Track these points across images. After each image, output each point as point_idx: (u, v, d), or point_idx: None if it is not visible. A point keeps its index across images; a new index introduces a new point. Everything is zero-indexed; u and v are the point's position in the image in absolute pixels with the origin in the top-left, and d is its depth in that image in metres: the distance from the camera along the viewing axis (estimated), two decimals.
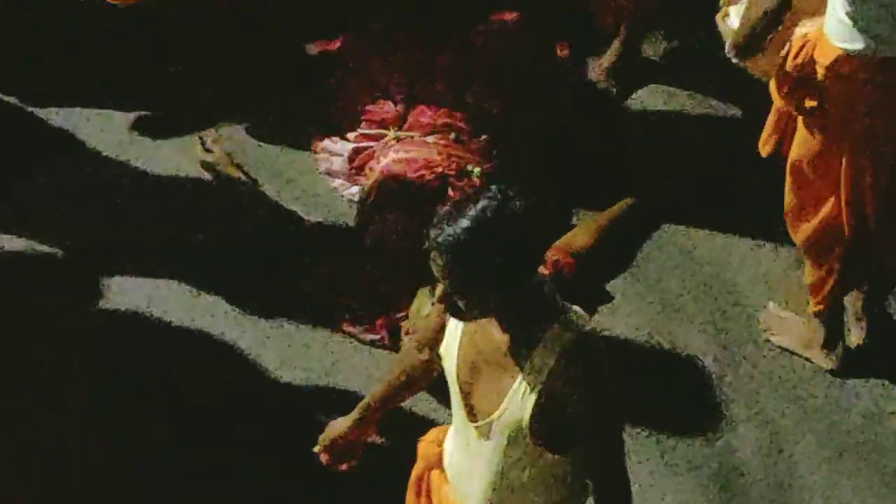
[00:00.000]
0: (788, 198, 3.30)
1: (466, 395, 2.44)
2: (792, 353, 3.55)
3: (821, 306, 3.39)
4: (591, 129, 3.82)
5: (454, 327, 2.42)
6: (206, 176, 3.59)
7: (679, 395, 3.41)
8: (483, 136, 3.45)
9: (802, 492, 3.26)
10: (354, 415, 2.73)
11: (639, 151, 3.86)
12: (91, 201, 3.78)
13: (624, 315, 3.48)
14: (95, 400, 3.39)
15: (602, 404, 2.34)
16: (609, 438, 2.39)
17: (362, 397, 2.72)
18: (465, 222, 2.17)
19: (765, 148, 3.39)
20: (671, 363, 3.47)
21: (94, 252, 3.68)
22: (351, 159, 3.53)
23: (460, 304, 2.23)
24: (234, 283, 3.61)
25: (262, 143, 3.89)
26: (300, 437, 2.96)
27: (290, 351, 3.51)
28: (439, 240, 2.17)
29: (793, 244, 3.49)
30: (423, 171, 3.33)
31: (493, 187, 2.22)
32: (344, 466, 2.87)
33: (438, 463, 2.65)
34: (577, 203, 3.75)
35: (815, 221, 3.25)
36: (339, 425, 2.77)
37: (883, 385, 3.46)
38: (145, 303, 3.61)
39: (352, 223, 3.51)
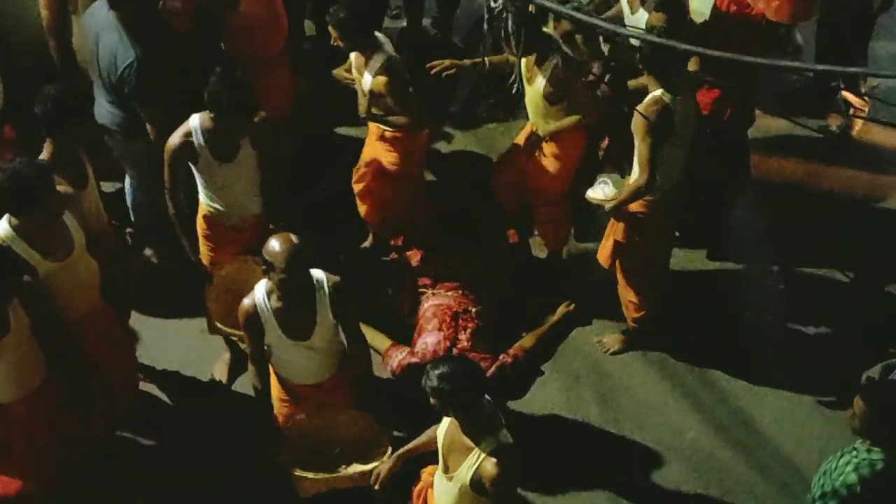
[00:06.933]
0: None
1: (444, 459, 4.18)
2: None
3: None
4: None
5: (443, 424, 4.20)
6: None
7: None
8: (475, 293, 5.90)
9: None
10: (396, 457, 4.43)
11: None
12: None
13: (548, 382, 5.84)
14: None
15: (504, 480, 3.99)
16: (503, 496, 4.08)
17: None
18: (437, 380, 3.92)
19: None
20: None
21: None
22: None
23: (443, 412, 4.08)
24: None
25: None
26: None
27: None
28: (432, 385, 3.94)
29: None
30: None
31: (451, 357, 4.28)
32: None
33: (431, 484, 4.45)
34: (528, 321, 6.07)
35: None
36: (385, 466, 4.42)
37: None
38: None
39: None
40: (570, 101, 5.65)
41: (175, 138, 5.06)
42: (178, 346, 5.91)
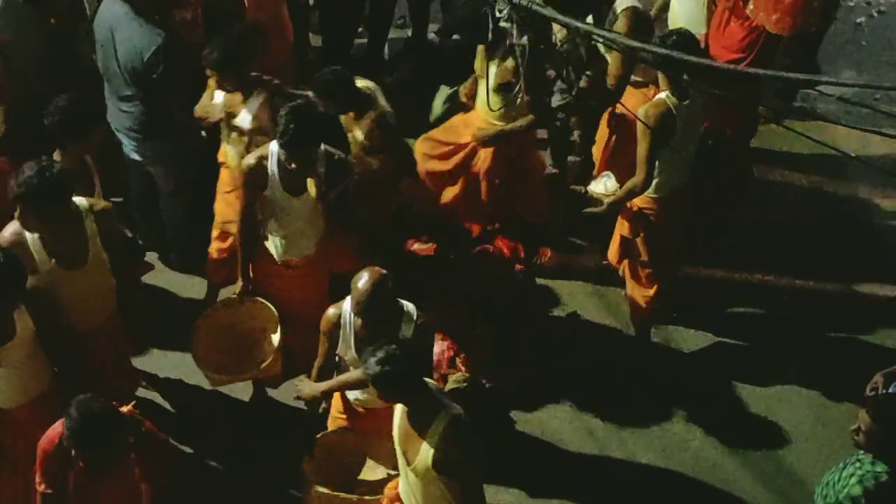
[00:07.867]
0: None
1: (403, 452, 4.12)
2: None
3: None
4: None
5: (395, 418, 4.13)
6: None
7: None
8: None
9: None
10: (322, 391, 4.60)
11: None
12: None
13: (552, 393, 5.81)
14: None
15: (464, 454, 3.97)
16: (467, 469, 4.04)
17: None
18: (376, 366, 3.89)
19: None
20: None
21: None
22: None
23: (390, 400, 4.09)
24: None
25: None
26: None
27: None
28: (373, 374, 3.91)
29: None
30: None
31: (387, 345, 3.94)
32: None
33: (396, 497, 4.38)
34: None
35: None
36: (309, 393, 4.65)
37: None
38: None
39: None
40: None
41: (251, 158, 5.03)
42: (184, 356, 5.80)
